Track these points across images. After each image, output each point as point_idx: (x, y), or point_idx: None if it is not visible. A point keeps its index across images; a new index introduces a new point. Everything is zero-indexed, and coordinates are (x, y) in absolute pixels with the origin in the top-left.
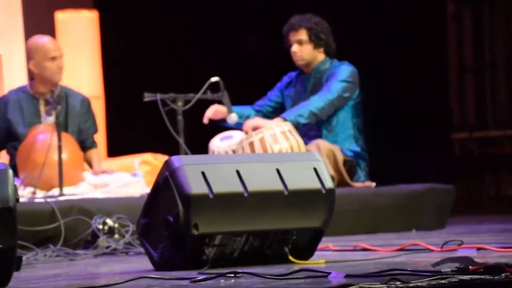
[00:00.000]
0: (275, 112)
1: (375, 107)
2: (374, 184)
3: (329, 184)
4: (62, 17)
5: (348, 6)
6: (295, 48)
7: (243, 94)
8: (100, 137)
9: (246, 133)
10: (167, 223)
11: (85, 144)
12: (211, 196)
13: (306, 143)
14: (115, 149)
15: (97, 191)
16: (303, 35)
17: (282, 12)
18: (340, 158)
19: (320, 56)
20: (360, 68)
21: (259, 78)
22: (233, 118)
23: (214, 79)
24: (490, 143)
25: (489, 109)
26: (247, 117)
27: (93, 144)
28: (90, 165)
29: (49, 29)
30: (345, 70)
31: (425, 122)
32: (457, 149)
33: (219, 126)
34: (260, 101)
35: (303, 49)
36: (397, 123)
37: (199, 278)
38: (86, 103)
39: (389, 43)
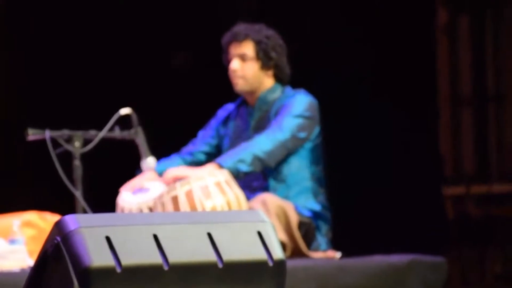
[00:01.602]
0: (211, 159)
1: (341, 152)
2: (339, 254)
3: (278, 254)
4: None
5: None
6: (235, 64)
7: (164, 131)
8: None
9: (168, 184)
10: None
11: None
12: (118, 270)
13: (248, 198)
14: None
15: None
16: (248, 48)
17: (220, 20)
18: (293, 218)
19: (268, 81)
20: (321, 98)
21: (186, 110)
22: (150, 163)
23: (124, 111)
24: (493, 202)
25: (493, 155)
26: None
27: None
28: None
29: None
30: (301, 102)
31: (408, 172)
32: (450, 209)
33: (131, 174)
34: (189, 146)
35: (246, 67)
36: (370, 172)
37: None
38: None
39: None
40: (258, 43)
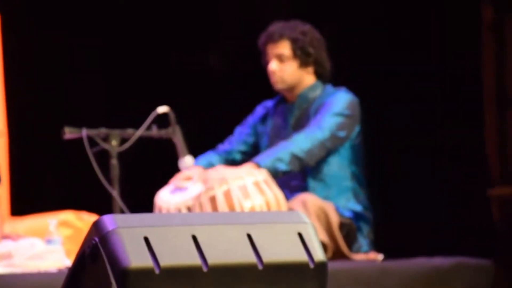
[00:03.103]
0: (248, 157)
1: (383, 151)
2: (381, 256)
3: (319, 255)
4: None
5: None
6: (273, 65)
7: (202, 130)
8: (2, 190)
9: (205, 183)
10: None
11: None
12: (157, 271)
13: (287, 198)
14: (23, 206)
15: None
16: (284, 48)
17: (257, 19)
18: (334, 219)
19: (308, 78)
20: (363, 97)
21: (224, 107)
22: (187, 162)
23: (162, 109)
24: None
25: None
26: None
27: None
28: None
29: None
30: (342, 100)
31: (452, 172)
32: (496, 210)
33: (168, 173)
34: (226, 144)
35: (284, 68)
36: (414, 172)
37: None
38: None
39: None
40: (294, 41)
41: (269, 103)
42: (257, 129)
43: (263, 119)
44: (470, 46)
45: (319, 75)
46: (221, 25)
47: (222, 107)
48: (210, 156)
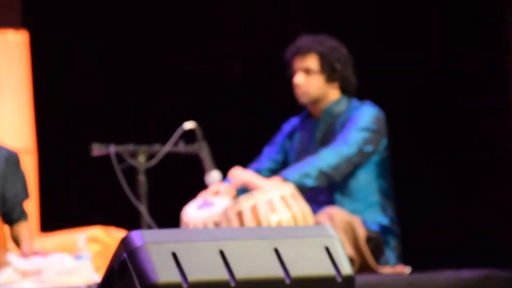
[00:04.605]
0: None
1: (409, 164)
2: (408, 269)
3: (346, 269)
4: None
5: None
6: (299, 78)
7: (229, 145)
8: (31, 205)
9: (232, 198)
10: None
11: (11, 216)
12: (185, 286)
13: (314, 212)
14: (51, 222)
15: (27, 280)
16: (312, 62)
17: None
18: (361, 233)
19: (334, 93)
20: (388, 111)
21: (251, 123)
22: (214, 177)
23: (189, 125)
24: None
25: None
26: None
27: (23, 216)
28: (17, 244)
29: None
30: (367, 114)
31: (479, 183)
32: None
33: (196, 189)
34: (255, 164)
35: (310, 81)
36: (440, 185)
37: None
38: (13, 160)
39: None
40: (322, 56)
41: (294, 120)
42: (285, 146)
43: (290, 136)
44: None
45: (344, 91)
46: (244, 39)
47: (249, 122)
48: None
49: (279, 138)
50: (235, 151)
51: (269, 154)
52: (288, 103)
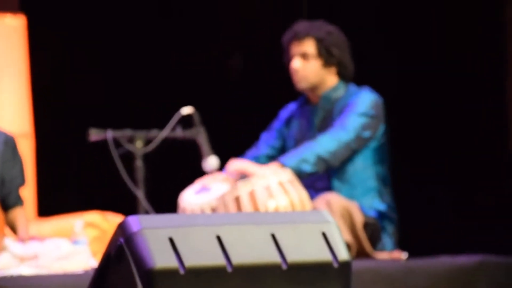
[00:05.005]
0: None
1: (407, 150)
2: (405, 255)
3: (343, 255)
4: None
5: (367, 13)
6: (297, 63)
7: (226, 130)
8: (28, 190)
9: (230, 176)
10: None
11: (7, 201)
12: (182, 271)
13: (312, 198)
14: (49, 207)
15: (24, 265)
16: (309, 46)
17: (277, 19)
18: (358, 219)
19: (331, 79)
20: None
21: (248, 109)
22: (211, 163)
23: (186, 110)
24: None
25: None
26: None
27: (18, 201)
28: (13, 229)
29: None
30: (366, 100)
31: (476, 170)
32: None
33: (193, 174)
34: (253, 150)
35: (308, 66)
36: (437, 170)
37: None
38: (11, 144)
39: (422, 62)
40: (319, 41)
41: (292, 106)
42: (283, 132)
43: (288, 122)
44: (490, 43)
45: (341, 76)
46: (244, 23)
47: (246, 108)
48: None
49: (277, 124)
50: (232, 137)
51: (267, 141)
52: (286, 90)
